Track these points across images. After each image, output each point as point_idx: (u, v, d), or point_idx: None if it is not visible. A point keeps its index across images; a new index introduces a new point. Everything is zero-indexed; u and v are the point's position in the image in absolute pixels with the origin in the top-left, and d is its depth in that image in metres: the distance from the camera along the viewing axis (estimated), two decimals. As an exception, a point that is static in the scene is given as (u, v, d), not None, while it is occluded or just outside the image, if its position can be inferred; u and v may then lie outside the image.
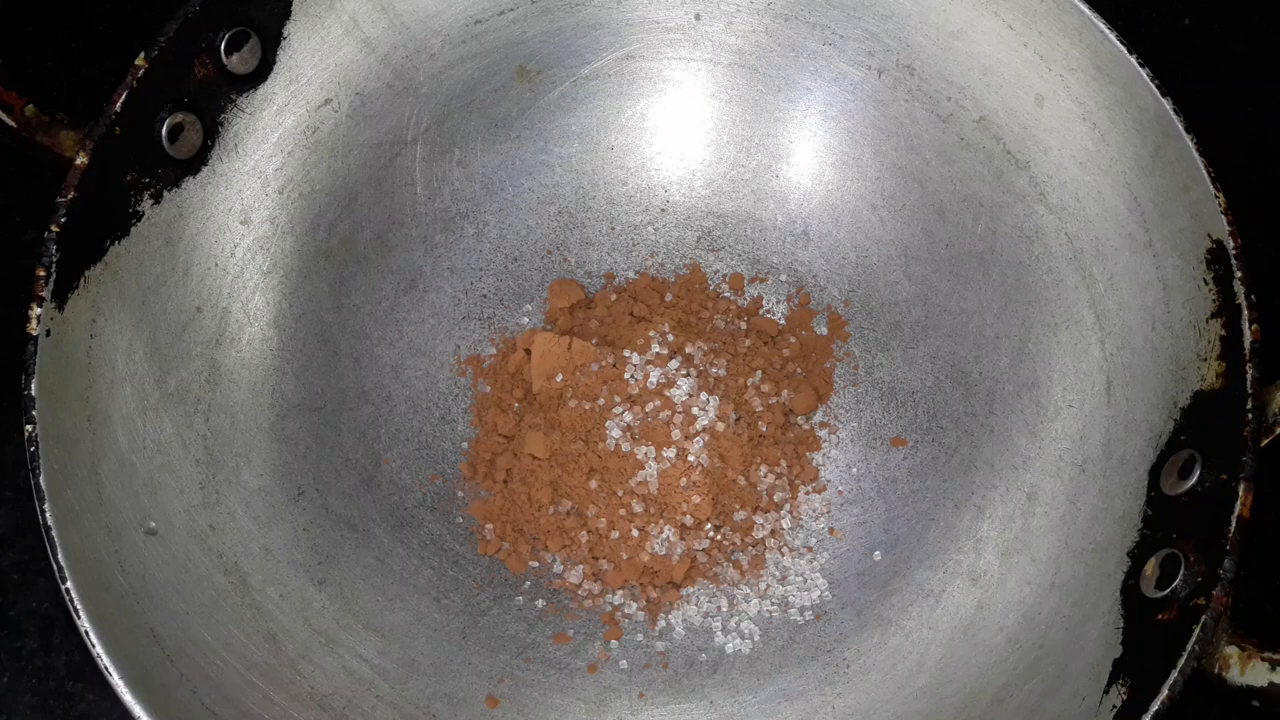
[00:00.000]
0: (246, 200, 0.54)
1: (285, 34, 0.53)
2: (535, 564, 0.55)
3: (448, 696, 0.51)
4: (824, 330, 0.59)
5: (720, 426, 0.55)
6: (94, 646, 0.42)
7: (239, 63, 0.52)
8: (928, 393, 0.57)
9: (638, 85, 0.60)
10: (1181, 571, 0.43)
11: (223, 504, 0.50)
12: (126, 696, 0.42)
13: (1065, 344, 0.52)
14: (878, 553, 0.55)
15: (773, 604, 0.54)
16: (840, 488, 0.57)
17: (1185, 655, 0.41)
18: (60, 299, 0.46)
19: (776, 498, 0.56)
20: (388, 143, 0.58)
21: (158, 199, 0.50)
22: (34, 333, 0.45)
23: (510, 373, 0.58)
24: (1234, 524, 0.42)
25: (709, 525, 0.55)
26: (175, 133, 0.50)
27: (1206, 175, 0.47)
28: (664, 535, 0.54)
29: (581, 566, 0.55)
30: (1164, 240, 0.49)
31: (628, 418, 0.55)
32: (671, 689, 0.53)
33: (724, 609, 0.54)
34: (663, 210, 0.62)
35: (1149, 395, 0.48)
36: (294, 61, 0.54)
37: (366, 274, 0.58)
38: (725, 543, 0.55)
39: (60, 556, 0.43)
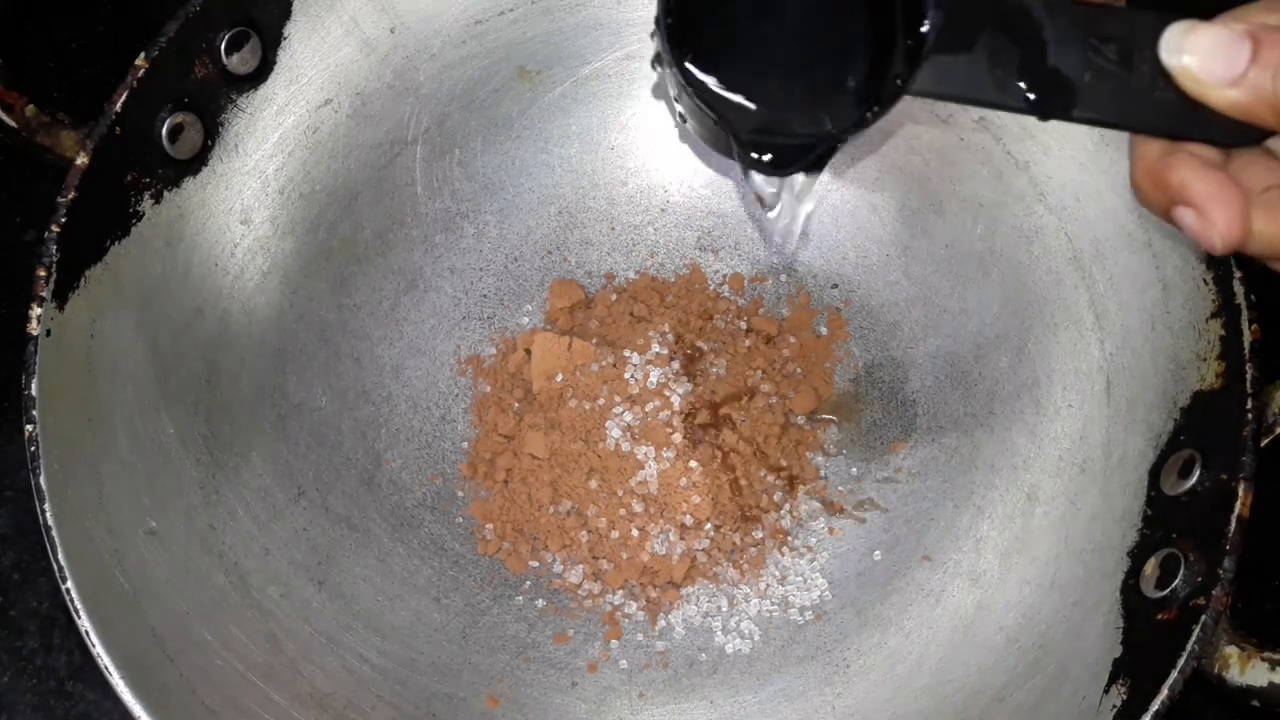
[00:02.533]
0: (247, 200, 0.54)
1: (286, 34, 0.53)
2: (535, 564, 0.55)
3: (448, 696, 0.51)
4: (824, 330, 0.59)
5: (720, 426, 0.55)
6: (94, 646, 0.42)
7: (239, 63, 0.52)
8: (928, 393, 0.57)
9: (638, 85, 0.60)
10: (1181, 571, 0.43)
11: (223, 504, 0.50)
12: (127, 696, 0.42)
13: (1065, 344, 0.52)
14: (877, 553, 0.55)
15: (773, 604, 0.54)
16: (840, 487, 0.57)
17: (1185, 655, 0.41)
18: (60, 299, 0.46)
19: (776, 498, 0.56)
20: (388, 143, 0.58)
21: (158, 199, 0.50)
22: (34, 333, 0.45)
23: (510, 373, 0.58)
24: (1234, 524, 0.42)
25: (709, 525, 0.55)
26: (175, 133, 0.50)
27: (1206, 175, 0.47)
28: (664, 535, 0.54)
29: (581, 566, 0.55)
30: (1163, 240, 0.49)
31: (628, 418, 0.55)
32: (671, 689, 0.53)
33: (724, 609, 0.54)
34: (663, 210, 0.62)
35: (1149, 395, 0.48)
36: (294, 62, 0.54)
37: (367, 274, 0.58)
38: (725, 543, 0.55)
39: (60, 556, 0.43)
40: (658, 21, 0.34)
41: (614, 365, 0.56)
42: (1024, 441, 0.53)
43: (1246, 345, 0.44)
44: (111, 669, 0.42)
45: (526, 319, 0.60)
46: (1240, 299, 0.45)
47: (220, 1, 0.50)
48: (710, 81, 0.35)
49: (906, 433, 0.57)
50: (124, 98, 0.47)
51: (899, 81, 0.33)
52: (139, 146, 0.49)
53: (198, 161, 0.51)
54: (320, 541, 0.53)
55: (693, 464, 0.54)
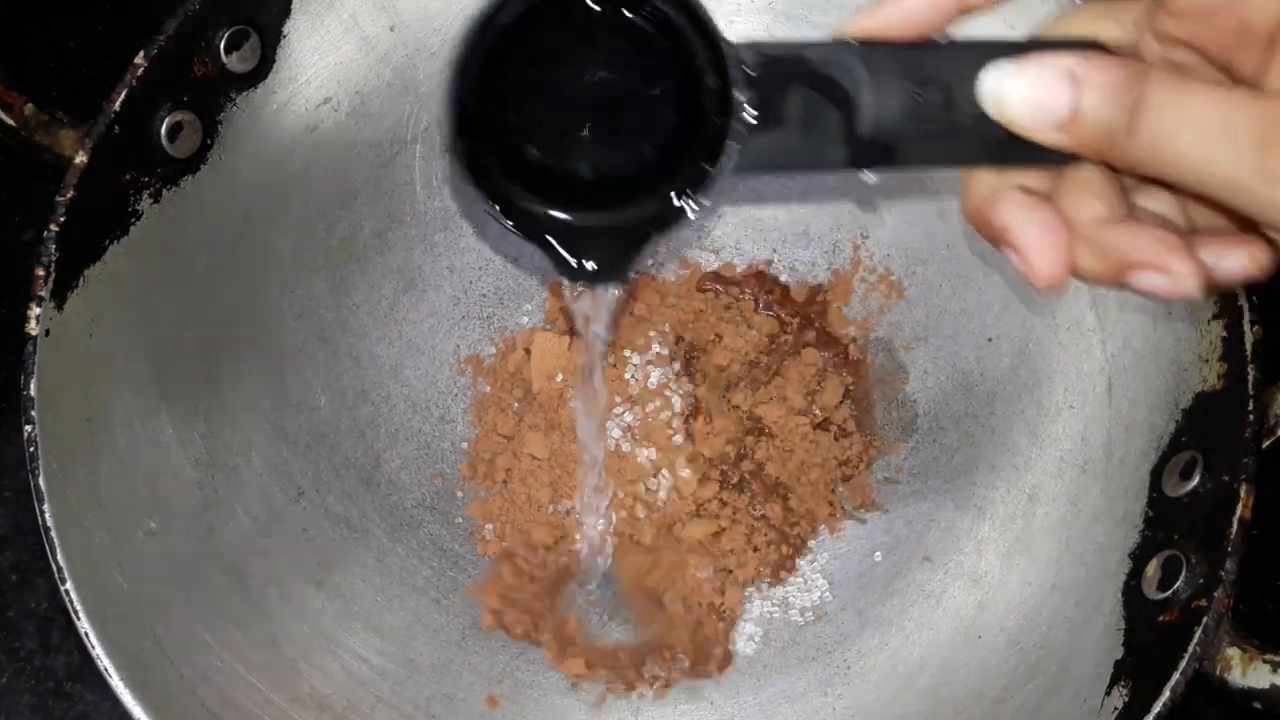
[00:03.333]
0: (245, 199, 0.53)
1: (285, 32, 0.53)
2: (535, 564, 0.55)
3: (447, 697, 0.51)
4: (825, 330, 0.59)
5: (721, 427, 0.55)
6: (94, 648, 0.42)
7: (238, 61, 0.51)
8: (928, 393, 0.57)
9: (638, 84, 0.60)
10: (1183, 573, 0.43)
11: (223, 504, 0.50)
12: (126, 697, 0.42)
13: (1066, 345, 0.52)
14: (878, 554, 0.55)
15: (773, 605, 0.54)
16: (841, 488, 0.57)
17: (1187, 657, 0.41)
18: (60, 299, 0.46)
19: (777, 498, 0.56)
20: (387, 141, 0.57)
21: (157, 198, 0.50)
22: (33, 333, 0.45)
23: (510, 372, 0.58)
24: (1235, 525, 0.42)
25: (709, 526, 0.54)
26: (174, 132, 0.50)
27: (1208, 175, 0.47)
28: (664, 536, 0.54)
29: (581, 567, 0.55)
30: (1165, 241, 0.48)
31: (628, 418, 0.55)
32: (671, 689, 0.52)
33: (724, 609, 0.54)
34: (663, 210, 0.61)
35: (1150, 396, 0.48)
36: (294, 60, 0.53)
37: (366, 273, 0.58)
38: (725, 543, 0.55)
39: (59, 557, 0.43)
40: (454, 154, 0.31)
41: (614, 365, 0.56)
42: (1025, 442, 0.53)
43: (1248, 346, 0.44)
44: (111, 670, 0.42)
45: (526, 318, 0.60)
46: (1242, 300, 0.45)
47: (219, 0, 0.50)
48: (525, 198, 0.32)
49: (907, 433, 0.57)
50: (123, 96, 0.47)
51: (709, 169, 0.32)
52: (138, 145, 0.49)
53: (197, 160, 0.51)
54: (320, 542, 0.53)
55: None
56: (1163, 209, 0.32)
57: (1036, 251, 0.31)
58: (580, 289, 0.38)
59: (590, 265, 0.33)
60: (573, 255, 0.33)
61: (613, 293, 0.38)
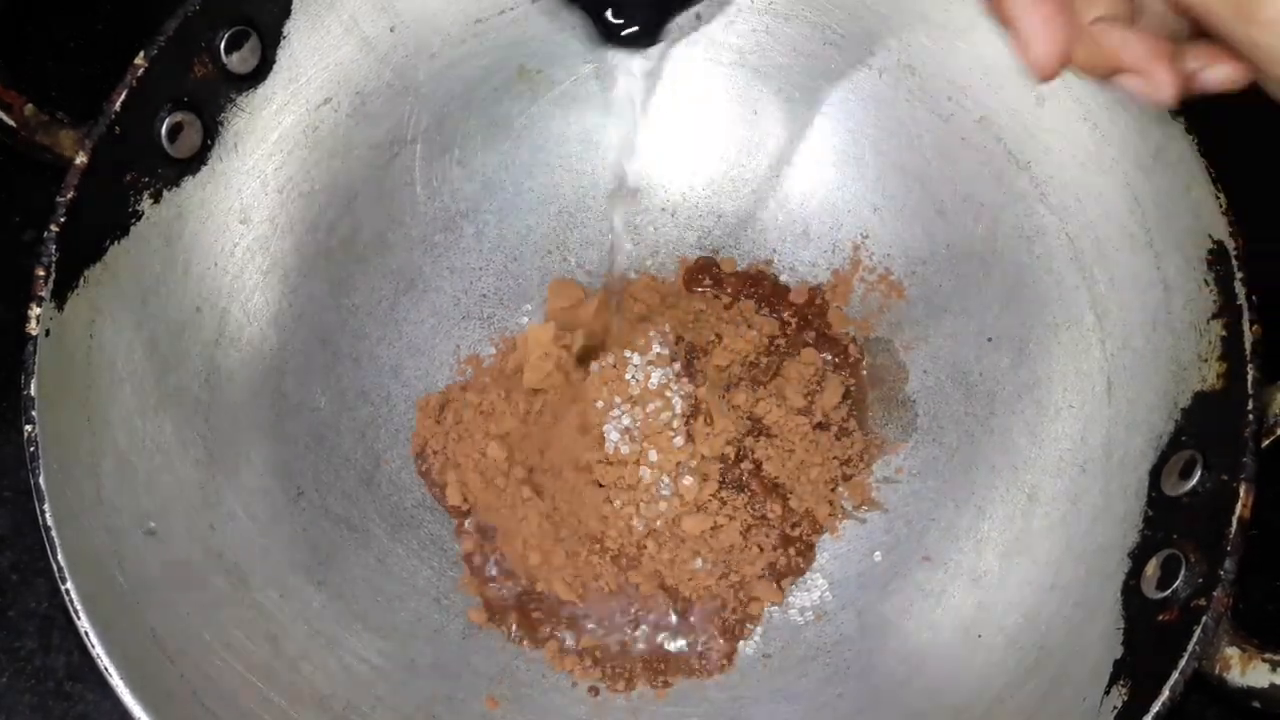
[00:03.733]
0: (246, 200, 0.54)
1: (285, 33, 0.53)
2: (535, 564, 0.55)
3: (447, 698, 0.51)
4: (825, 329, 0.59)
5: (720, 427, 0.55)
6: (94, 647, 0.42)
7: (239, 62, 0.52)
8: (928, 393, 0.57)
9: (638, 85, 0.60)
10: (1182, 572, 0.43)
11: (223, 504, 0.50)
12: (127, 697, 0.42)
13: (1066, 344, 0.52)
14: (878, 553, 0.55)
15: (773, 604, 0.54)
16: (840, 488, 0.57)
17: (1186, 656, 0.41)
18: (60, 299, 0.46)
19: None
20: (387, 142, 0.57)
21: (157, 198, 0.50)
22: (33, 333, 0.45)
23: (510, 373, 0.58)
24: (1235, 525, 0.42)
25: (709, 525, 0.54)
26: (175, 132, 0.50)
27: (1207, 175, 0.47)
28: (664, 535, 0.54)
29: (581, 567, 0.55)
30: (1165, 241, 0.49)
31: (627, 419, 0.55)
32: (672, 689, 0.52)
33: (724, 609, 0.54)
34: (663, 210, 0.61)
35: (1150, 396, 0.48)
36: (294, 60, 0.53)
37: (366, 274, 0.58)
38: (725, 543, 0.55)
39: (60, 557, 0.43)
40: None
41: (614, 365, 0.56)
42: (1025, 442, 0.53)
43: (1248, 346, 0.44)
44: (111, 670, 0.42)
45: (526, 319, 0.60)
46: (1242, 299, 0.45)
47: (220, 0, 0.50)
48: None
49: (907, 433, 0.57)
50: (123, 97, 0.47)
51: None
52: (138, 146, 0.49)
53: (197, 161, 0.51)
54: (320, 542, 0.53)
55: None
56: (1169, 16, 0.35)
57: (1035, 39, 0.34)
58: (619, 52, 0.43)
59: (630, 29, 0.39)
60: (615, 17, 0.39)
61: (646, 61, 0.44)
